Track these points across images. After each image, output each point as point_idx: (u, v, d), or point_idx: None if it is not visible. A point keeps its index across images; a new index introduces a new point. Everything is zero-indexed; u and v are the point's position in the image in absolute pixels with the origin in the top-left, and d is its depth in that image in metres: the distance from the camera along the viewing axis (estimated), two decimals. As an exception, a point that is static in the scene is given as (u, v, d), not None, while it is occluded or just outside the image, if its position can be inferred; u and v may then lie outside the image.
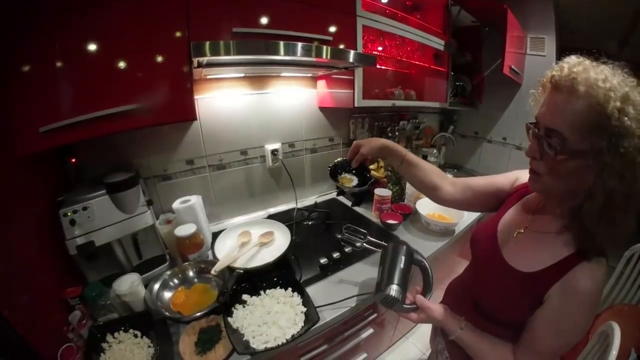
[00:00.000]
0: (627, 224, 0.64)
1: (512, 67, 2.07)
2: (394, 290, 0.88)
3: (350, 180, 1.24)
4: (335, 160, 1.27)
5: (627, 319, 1.66)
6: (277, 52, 1.03)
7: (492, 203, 1.01)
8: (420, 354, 2.15)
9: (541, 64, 2.29)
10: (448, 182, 1.07)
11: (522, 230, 0.84)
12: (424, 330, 2.26)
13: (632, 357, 1.47)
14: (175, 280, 1.17)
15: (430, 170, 1.08)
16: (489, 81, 2.48)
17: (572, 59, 0.68)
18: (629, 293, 1.98)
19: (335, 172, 1.27)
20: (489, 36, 2.37)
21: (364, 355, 1.58)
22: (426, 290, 0.96)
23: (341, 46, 1.41)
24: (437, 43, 2.01)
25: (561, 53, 2.21)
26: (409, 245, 1.01)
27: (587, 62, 0.66)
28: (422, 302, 0.91)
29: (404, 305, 0.91)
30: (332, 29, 1.37)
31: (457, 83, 2.50)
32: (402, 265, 0.94)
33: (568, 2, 2.26)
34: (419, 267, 1.00)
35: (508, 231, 0.87)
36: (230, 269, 1.15)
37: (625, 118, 0.58)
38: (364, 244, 1.31)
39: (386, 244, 1.05)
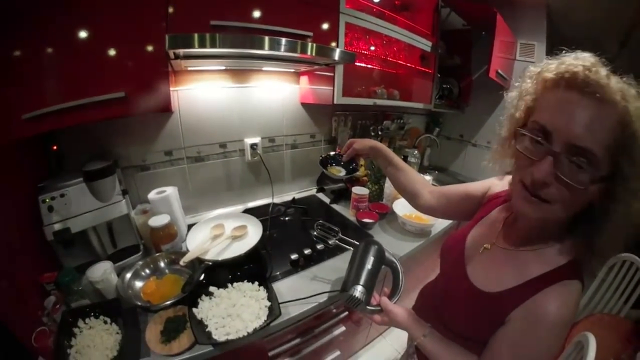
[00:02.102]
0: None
1: (500, 71, 2.17)
2: (358, 291, 0.90)
3: (339, 171, 1.35)
4: (328, 153, 1.38)
5: (606, 329, 1.75)
6: (251, 46, 1.09)
7: (466, 211, 1.03)
8: (396, 354, 2.23)
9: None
10: (427, 190, 1.13)
11: (489, 246, 0.83)
12: (400, 331, 2.31)
13: None
14: (147, 270, 1.24)
15: (414, 177, 1.16)
16: (477, 85, 2.59)
17: (587, 56, 0.59)
18: (609, 302, 2.06)
19: (326, 162, 1.37)
20: (479, 40, 2.47)
21: (337, 353, 1.68)
22: (393, 293, 0.99)
23: (321, 43, 1.44)
24: (424, 44, 2.10)
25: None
26: (380, 245, 1.05)
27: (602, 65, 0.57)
28: (386, 305, 0.92)
29: (368, 307, 0.93)
30: (314, 24, 1.43)
31: (444, 85, 2.60)
32: (369, 266, 0.97)
33: (561, 11, 2.36)
34: (389, 268, 1.05)
35: (475, 246, 0.87)
36: (199, 261, 1.21)
37: None
38: (336, 242, 1.38)
39: (357, 243, 1.10)
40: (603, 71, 0.55)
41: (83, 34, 0.95)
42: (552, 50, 0.66)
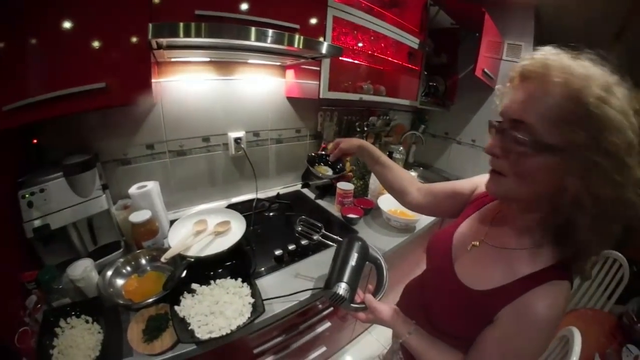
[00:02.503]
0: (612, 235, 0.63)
1: (486, 70, 2.21)
2: (341, 288, 0.90)
3: (326, 171, 1.36)
4: (316, 152, 1.39)
5: (590, 323, 1.83)
6: (237, 37, 1.08)
7: (453, 209, 1.04)
8: (382, 349, 2.25)
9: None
10: (415, 188, 1.15)
11: (477, 244, 0.83)
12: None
13: None
14: (128, 268, 1.23)
15: (401, 175, 1.19)
16: (463, 84, 2.64)
17: (547, 48, 0.64)
18: (592, 297, 2.17)
19: (313, 160, 1.38)
20: (467, 39, 2.51)
21: (323, 349, 1.70)
22: (378, 290, 1.00)
23: (308, 37, 1.44)
24: (412, 41, 2.12)
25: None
26: (364, 242, 1.05)
27: (564, 52, 0.62)
28: (370, 303, 0.92)
29: (352, 305, 0.93)
30: (301, 17, 1.41)
31: (431, 83, 2.63)
32: (353, 263, 0.97)
33: (549, 13, 2.40)
34: (374, 265, 1.05)
35: (463, 244, 0.88)
36: (181, 257, 1.21)
37: (608, 107, 0.54)
38: (319, 238, 1.39)
39: (341, 239, 1.11)
40: (553, 56, 0.61)
41: (63, 23, 0.92)
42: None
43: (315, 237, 1.40)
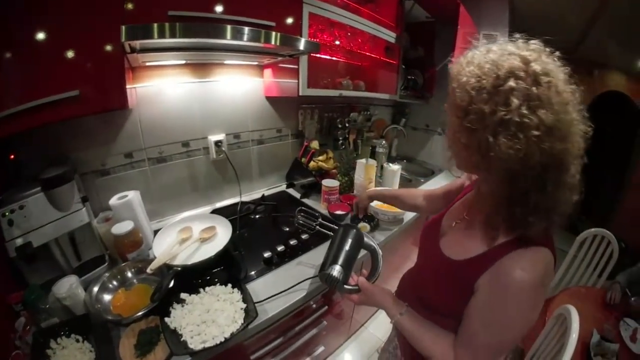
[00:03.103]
0: (555, 204, 0.67)
1: (463, 61, 2.24)
2: (335, 270, 0.97)
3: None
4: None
5: (585, 300, 1.91)
6: (213, 36, 1.08)
7: (447, 203, 1.12)
8: (381, 342, 2.30)
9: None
10: (422, 199, 1.35)
11: (459, 221, 0.92)
12: (382, 319, 2.45)
13: (594, 338, 1.64)
14: (115, 282, 1.21)
15: (408, 196, 1.41)
16: (441, 75, 2.66)
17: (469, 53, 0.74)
18: (583, 276, 2.26)
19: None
20: (443, 31, 2.54)
21: (322, 348, 1.72)
22: (372, 274, 1.06)
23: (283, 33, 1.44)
24: (389, 35, 2.15)
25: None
26: (359, 230, 1.11)
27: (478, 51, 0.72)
28: (363, 284, 0.99)
29: (346, 286, 1.00)
30: (276, 14, 1.41)
31: (409, 77, 2.68)
32: (347, 248, 1.04)
33: (523, 1, 2.47)
34: (368, 251, 1.11)
35: (448, 223, 0.97)
36: (168, 267, 1.18)
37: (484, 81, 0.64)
38: (318, 227, 1.46)
39: (337, 227, 1.19)
40: (463, 60, 0.72)
41: (31, 30, 0.90)
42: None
43: (315, 224, 1.47)
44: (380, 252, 1.10)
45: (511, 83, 0.61)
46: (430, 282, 0.93)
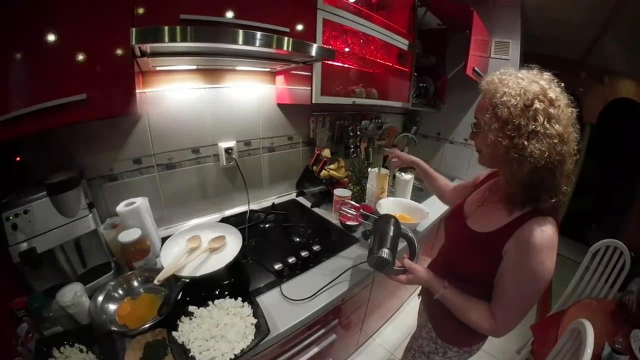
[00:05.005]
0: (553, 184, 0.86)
1: (476, 69, 2.23)
2: (385, 252, 1.05)
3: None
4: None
5: (596, 313, 1.88)
6: (225, 40, 1.04)
7: (463, 196, 1.31)
8: (389, 355, 2.29)
9: (505, 67, 2.47)
10: (450, 190, 1.55)
11: (481, 204, 1.12)
12: (390, 330, 2.51)
13: (606, 351, 1.60)
14: (120, 291, 1.16)
15: (443, 183, 1.59)
16: (452, 83, 2.65)
17: (496, 73, 0.95)
18: (595, 288, 2.22)
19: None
20: (454, 39, 2.54)
21: None
22: (412, 256, 1.16)
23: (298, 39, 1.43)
24: (402, 42, 2.12)
25: (525, 58, 2.40)
26: (396, 218, 1.22)
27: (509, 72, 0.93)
28: (409, 265, 1.11)
29: (394, 267, 1.09)
30: (290, 20, 1.39)
31: (421, 84, 2.65)
32: (391, 233, 1.14)
33: (535, 9, 2.45)
34: (404, 238, 1.19)
35: (471, 207, 1.16)
36: (176, 278, 1.14)
37: (505, 108, 0.85)
38: (360, 219, 1.59)
39: (377, 217, 1.33)
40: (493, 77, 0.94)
41: (41, 32, 0.87)
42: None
43: (355, 213, 1.59)
44: (414, 237, 1.19)
45: (537, 105, 0.83)
46: (462, 256, 1.11)
